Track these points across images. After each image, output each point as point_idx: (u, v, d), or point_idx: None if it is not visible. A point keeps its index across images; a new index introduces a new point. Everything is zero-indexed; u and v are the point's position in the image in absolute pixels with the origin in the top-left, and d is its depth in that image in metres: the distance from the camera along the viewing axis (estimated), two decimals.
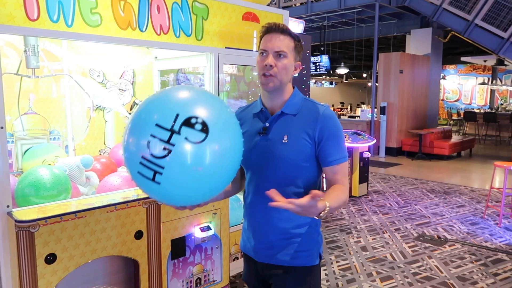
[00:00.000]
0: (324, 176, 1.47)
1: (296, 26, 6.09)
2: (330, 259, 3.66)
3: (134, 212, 2.16)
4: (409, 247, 3.98)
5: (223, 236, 2.61)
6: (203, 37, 2.59)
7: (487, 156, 10.13)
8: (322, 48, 11.57)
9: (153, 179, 1.11)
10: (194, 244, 2.45)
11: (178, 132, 1.10)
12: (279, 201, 1.12)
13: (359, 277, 3.31)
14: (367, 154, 5.95)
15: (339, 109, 18.73)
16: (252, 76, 3.63)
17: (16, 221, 1.80)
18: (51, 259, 1.88)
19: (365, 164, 5.96)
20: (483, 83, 17.39)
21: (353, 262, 3.60)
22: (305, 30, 7.40)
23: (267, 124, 1.43)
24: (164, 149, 1.09)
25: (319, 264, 1.49)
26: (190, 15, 2.50)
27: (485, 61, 14.59)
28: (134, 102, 3.29)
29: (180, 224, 2.36)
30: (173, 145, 1.09)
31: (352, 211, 5.23)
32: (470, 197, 6.04)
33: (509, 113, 13.55)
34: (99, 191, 2.49)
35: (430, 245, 4.03)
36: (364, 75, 20.91)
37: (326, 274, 3.34)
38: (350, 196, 5.90)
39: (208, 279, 2.57)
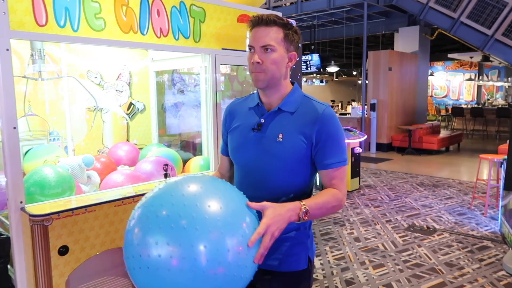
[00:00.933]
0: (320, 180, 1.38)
1: None
2: (325, 249, 3.82)
3: None
4: (400, 237, 4.15)
5: None
6: (200, 39, 2.71)
7: (474, 150, 10.39)
8: (312, 47, 11.75)
9: None
10: None
11: None
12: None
13: (353, 265, 3.47)
14: (358, 150, 6.13)
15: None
16: (245, 76, 3.76)
17: (30, 215, 1.91)
18: (63, 251, 1.99)
19: (356, 160, 6.13)
20: (470, 79, 17.74)
21: (347, 252, 3.76)
22: None
23: (263, 120, 1.35)
24: None
25: (308, 268, 1.38)
26: (188, 18, 2.63)
27: (471, 57, 14.90)
28: (130, 102, 3.41)
29: None
30: None
31: (345, 205, 5.40)
32: (458, 189, 6.25)
33: (496, 108, 13.87)
34: (103, 188, 2.60)
35: (420, 234, 4.21)
36: (354, 72, 21.17)
37: (321, 264, 3.49)
38: None
39: None
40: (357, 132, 6.34)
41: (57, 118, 2.88)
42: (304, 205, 1.18)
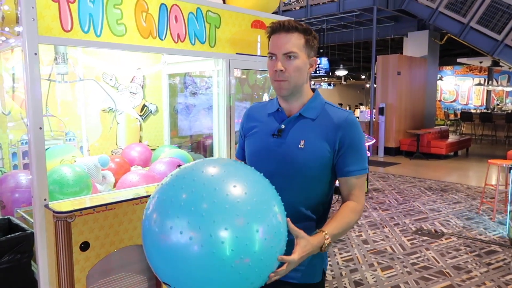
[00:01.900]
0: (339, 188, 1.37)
1: None
2: (334, 251, 3.87)
3: None
4: (408, 240, 4.19)
5: None
6: (215, 44, 2.79)
7: (483, 155, 10.36)
8: (321, 51, 11.81)
9: None
10: None
11: None
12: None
13: (361, 267, 3.52)
14: (366, 154, 6.16)
15: None
16: (255, 79, 3.84)
17: (54, 212, 2.00)
18: (84, 246, 2.08)
19: None
20: (479, 84, 17.65)
21: (355, 254, 3.81)
22: None
23: (283, 126, 1.33)
24: None
25: (322, 281, 1.37)
26: (204, 23, 2.72)
27: (480, 62, 14.84)
28: (144, 104, 3.50)
29: None
30: None
31: None
32: (466, 194, 6.26)
33: (505, 113, 13.79)
34: (119, 188, 2.68)
35: (428, 238, 4.25)
36: (363, 76, 21.16)
37: (330, 265, 3.55)
38: None
39: None
40: (366, 136, 6.39)
41: (72, 118, 2.97)
42: (327, 238, 1.19)
